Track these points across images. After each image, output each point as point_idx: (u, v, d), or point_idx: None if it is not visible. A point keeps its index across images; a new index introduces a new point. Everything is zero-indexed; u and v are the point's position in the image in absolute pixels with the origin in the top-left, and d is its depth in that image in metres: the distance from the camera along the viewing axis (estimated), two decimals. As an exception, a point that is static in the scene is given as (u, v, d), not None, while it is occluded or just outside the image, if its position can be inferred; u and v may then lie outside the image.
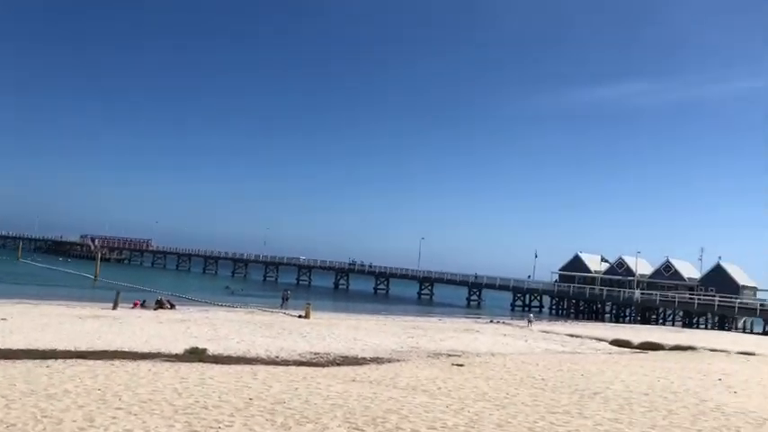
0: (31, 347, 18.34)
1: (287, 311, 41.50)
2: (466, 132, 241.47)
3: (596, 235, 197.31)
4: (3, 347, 17.97)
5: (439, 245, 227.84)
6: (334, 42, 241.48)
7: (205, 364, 16.40)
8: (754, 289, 73.74)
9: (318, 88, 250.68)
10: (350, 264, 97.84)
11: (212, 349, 20.38)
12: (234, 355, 19.58)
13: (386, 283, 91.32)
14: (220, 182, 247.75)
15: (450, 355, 23.34)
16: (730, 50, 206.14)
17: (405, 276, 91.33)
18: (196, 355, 18.82)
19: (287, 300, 48.39)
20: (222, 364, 16.91)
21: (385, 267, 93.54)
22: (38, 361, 15.24)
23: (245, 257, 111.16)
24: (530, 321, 45.79)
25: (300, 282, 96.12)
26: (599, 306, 74.34)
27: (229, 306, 44.95)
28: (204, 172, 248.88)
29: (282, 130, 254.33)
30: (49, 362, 15.12)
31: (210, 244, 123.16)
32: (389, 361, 20.64)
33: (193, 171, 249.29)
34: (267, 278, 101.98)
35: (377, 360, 20.86)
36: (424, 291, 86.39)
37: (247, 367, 16.36)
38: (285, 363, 18.81)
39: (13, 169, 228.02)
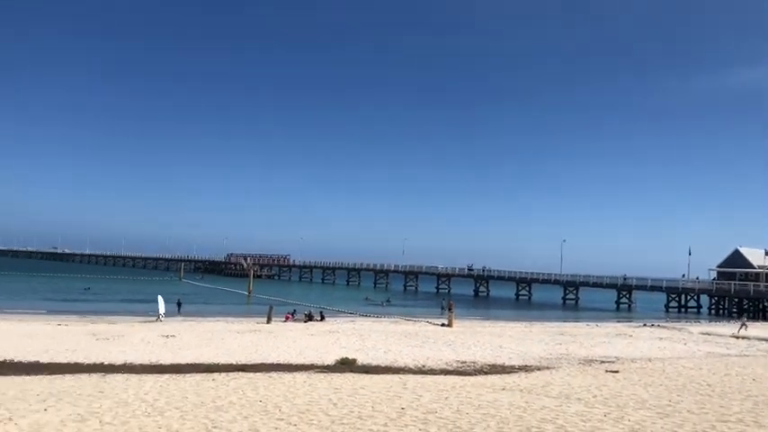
0: (197, 361, 19.75)
1: (430, 320, 41.64)
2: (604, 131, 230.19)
3: (754, 229, 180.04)
4: (174, 362, 19.52)
5: (580, 247, 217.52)
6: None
7: (356, 375, 16.85)
8: None
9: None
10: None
11: (361, 359, 20.91)
12: (382, 365, 19.94)
13: (528, 288, 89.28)
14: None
15: (603, 362, 22.36)
16: None
17: (547, 281, 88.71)
18: (347, 365, 19.39)
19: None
20: (371, 373, 17.28)
21: (526, 273, 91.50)
22: (204, 374, 16.37)
23: (385, 268, 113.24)
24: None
25: (440, 290, 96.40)
26: (766, 304, 68.19)
27: (375, 316, 46.00)
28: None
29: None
30: (214, 375, 16.18)
31: (353, 256, 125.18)
32: (538, 368, 20.12)
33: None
34: (407, 287, 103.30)
35: (525, 368, 20.40)
36: (568, 295, 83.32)
37: (396, 377, 16.60)
38: (432, 372, 18.89)
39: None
